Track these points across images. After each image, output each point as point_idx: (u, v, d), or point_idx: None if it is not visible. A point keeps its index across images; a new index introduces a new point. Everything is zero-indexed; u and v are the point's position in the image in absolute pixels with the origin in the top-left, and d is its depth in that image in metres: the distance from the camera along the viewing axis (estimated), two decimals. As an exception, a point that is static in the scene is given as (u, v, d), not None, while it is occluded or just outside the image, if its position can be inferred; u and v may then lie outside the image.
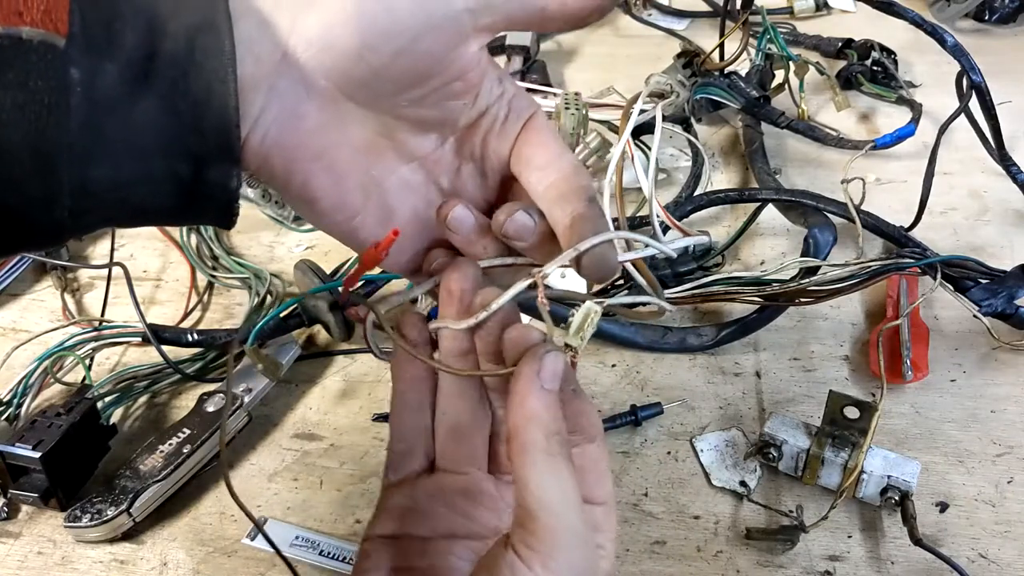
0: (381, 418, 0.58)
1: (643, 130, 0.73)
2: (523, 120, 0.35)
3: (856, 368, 0.60)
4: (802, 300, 0.57)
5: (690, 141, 0.74)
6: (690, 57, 0.84)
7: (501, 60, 0.94)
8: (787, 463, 0.52)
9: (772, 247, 0.70)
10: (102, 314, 0.67)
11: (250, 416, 0.57)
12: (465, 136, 0.35)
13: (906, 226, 0.66)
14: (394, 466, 0.38)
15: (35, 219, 0.27)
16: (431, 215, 0.36)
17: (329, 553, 0.50)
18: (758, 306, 0.60)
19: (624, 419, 0.56)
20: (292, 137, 0.31)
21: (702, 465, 0.54)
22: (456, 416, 0.37)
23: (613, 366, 0.61)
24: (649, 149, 0.69)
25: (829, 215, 0.62)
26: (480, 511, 0.36)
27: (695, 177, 0.72)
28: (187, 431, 0.54)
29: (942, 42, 0.63)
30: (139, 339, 0.62)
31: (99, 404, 0.56)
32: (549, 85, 0.88)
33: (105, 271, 0.67)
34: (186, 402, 0.60)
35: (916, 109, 0.80)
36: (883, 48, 0.88)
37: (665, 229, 0.34)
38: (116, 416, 0.59)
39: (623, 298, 0.37)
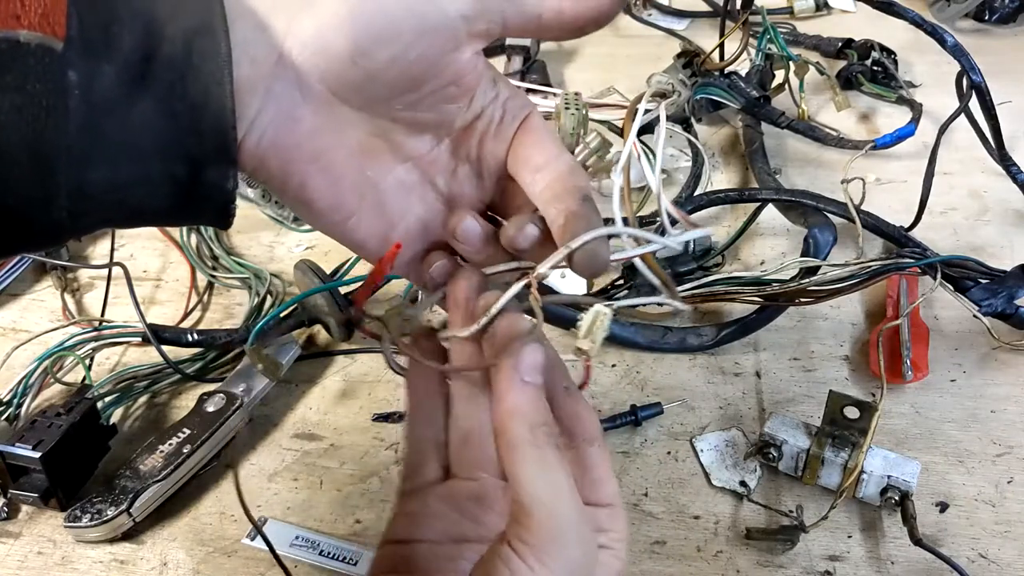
0: (381, 418, 0.59)
1: (643, 130, 0.73)
2: (518, 121, 0.35)
3: (856, 368, 0.60)
4: (802, 300, 0.57)
5: (690, 141, 0.74)
6: (690, 57, 0.84)
7: (501, 60, 0.94)
8: (787, 463, 0.52)
9: (772, 247, 0.70)
10: (102, 314, 0.67)
11: (250, 416, 0.57)
12: (461, 138, 0.35)
13: (906, 226, 0.66)
14: (409, 475, 0.38)
15: (33, 220, 0.28)
16: (427, 215, 0.36)
17: (329, 553, 0.50)
18: (758, 306, 0.60)
19: (624, 419, 0.56)
20: (288, 139, 0.31)
21: (702, 465, 0.54)
22: (467, 422, 0.37)
23: (613, 366, 0.61)
24: (649, 149, 0.69)
25: (829, 215, 0.62)
26: (490, 515, 0.36)
27: (695, 177, 0.72)
28: (187, 431, 0.54)
29: (942, 42, 0.63)
30: (139, 339, 0.62)
31: (99, 404, 0.56)
32: (549, 85, 0.88)
33: (105, 271, 0.67)
34: (186, 402, 0.60)
35: (916, 109, 0.80)
36: (883, 48, 0.88)
37: (673, 222, 0.34)
38: (116, 416, 0.59)
39: (636, 299, 0.36)
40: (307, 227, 0.73)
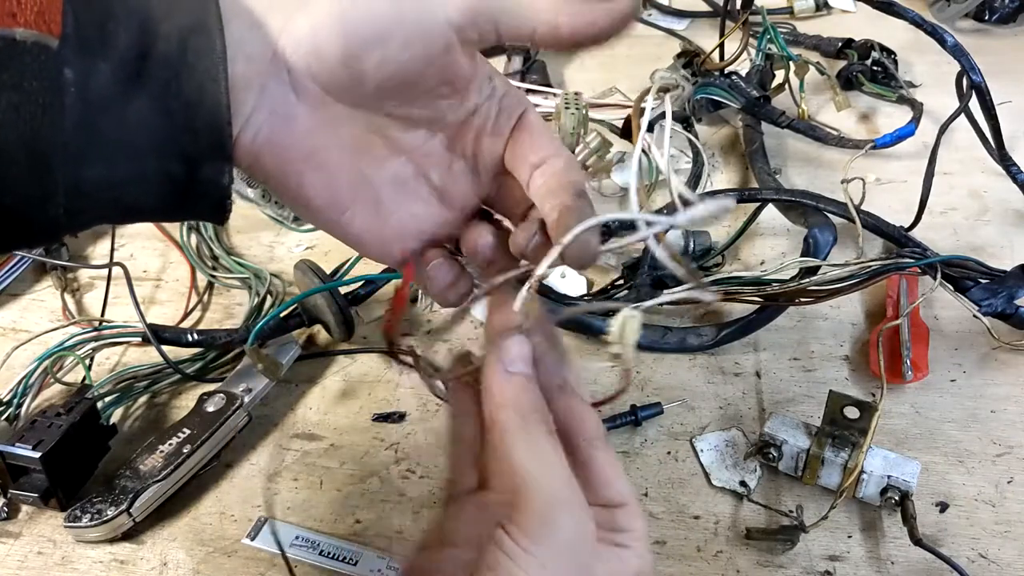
0: (381, 418, 0.59)
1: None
2: (515, 118, 0.35)
3: (856, 368, 0.60)
4: (802, 300, 0.57)
5: (690, 141, 0.74)
6: (690, 57, 0.84)
7: (501, 60, 0.94)
8: (787, 463, 0.52)
9: (772, 247, 0.70)
10: (102, 314, 0.67)
11: (250, 416, 0.57)
12: (457, 134, 0.35)
13: (906, 226, 0.66)
14: (449, 484, 0.38)
15: (31, 218, 0.28)
16: (422, 209, 0.36)
17: (329, 553, 0.50)
18: (758, 306, 0.60)
19: (624, 419, 0.56)
20: (283, 137, 0.31)
21: (702, 465, 0.54)
22: None
23: (613, 366, 0.61)
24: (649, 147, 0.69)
25: (829, 215, 0.62)
26: None
27: (695, 177, 0.72)
28: (187, 431, 0.54)
29: (942, 42, 0.63)
30: (139, 339, 0.62)
31: (99, 404, 0.56)
32: (549, 85, 0.88)
33: (105, 271, 0.67)
34: (186, 402, 0.60)
35: (917, 109, 0.80)
36: (883, 48, 0.88)
37: (686, 203, 0.34)
38: (116, 416, 0.59)
39: (664, 296, 0.36)
40: (307, 227, 0.73)
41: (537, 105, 0.80)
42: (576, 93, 0.75)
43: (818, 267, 0.58)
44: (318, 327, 0.64)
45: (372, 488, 0.54)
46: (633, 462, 0.55)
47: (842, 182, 0.64)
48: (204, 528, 0.52)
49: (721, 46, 0.79)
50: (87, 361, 0.60)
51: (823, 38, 0.95)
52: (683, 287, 0.34)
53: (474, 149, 0.36)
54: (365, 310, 0.66)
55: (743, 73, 0.81)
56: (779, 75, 0.82)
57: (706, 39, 0.95)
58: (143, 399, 0.61)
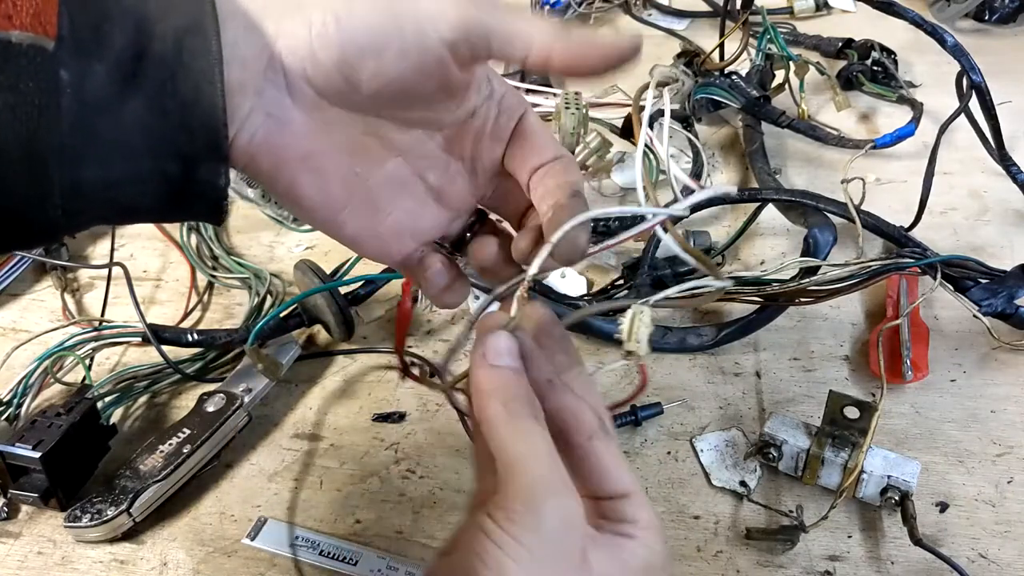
0: (381, 418, 0.59)
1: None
2: (514, 120, 0.35)
3: (856, 368, 0.60)
4: (802, 300, 0.57)
5: (690, 141, 0.74)
6: (690, 57, 0.84)
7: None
8: (787, 463, 0.52)
9: (772, 247, 0.70)
10: (102, 314, 0.67)
11: (250, 416, 0.57)
12: (456, 136, 0.35)
13: (906, 226, 0.66)
14: (474, 498, 0.38)
15: (29, 218, 0.28)
16: (417, 209, 0.36)
17: (329, 553, 0.50)
18: (758, 306, 0.60)
19: (624, 419, 0.56)
20: (279, 139, 0.31)
21: (702, 465, 0.54)
22: None
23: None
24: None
25: (829, 215, 0.62)
26: None
27: (695, 177, 0.72)
28: (187, 431, 0.54)
29: (942, 42, 0.63)
30: (139, 339, 0.62)
31: (99, 404, 0.56)
32: (549, 85, 0.88)
33: (105, 271, 0.67)
34: (186, 402, 0.60)
35: (917, 109, 0.80)
36: (883, 48, 0.88)
37: (687, 192, 0.34)
38: (116, 416, 0.59)
39: (675, 288, 0.36)
40: (307, 227, 0.73)
41: (537, 105, 0.80)
42: (576, 93, 0.75)
43: (818, 267, 0.58)
44: (318, 327, 0.64)
45: (372, 488, 0.54)
46: (633, 462, 0.54)
47: (842, 182, 0.64)
48: (204, 528, 0.52)
49: (721, 46, 0.79)
50: (87, 361, 0.60)
51: (823, 38, 0.95)
52: (691, 283, 0.34)
53: (472, 151, 0.36)
54: (365, 310, 0.66)
55: (743, 73, 0.81)
56: (779, 75, 0.82)
57: (706, 39, 0.95)
58: (143, 399, 0.61)
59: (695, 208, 0.30)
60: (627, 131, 0.76)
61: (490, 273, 0.36)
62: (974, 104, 0.65)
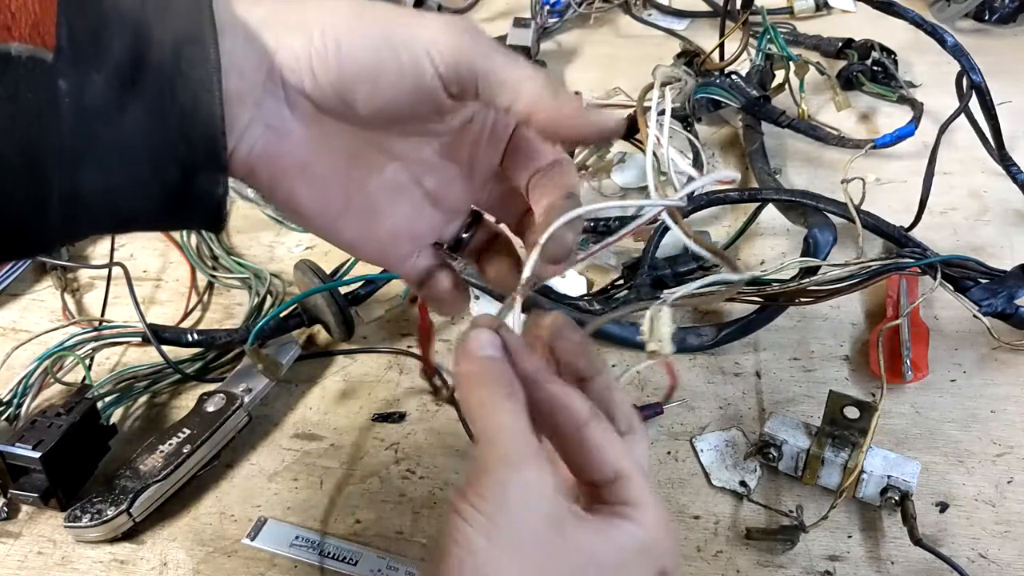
0: (381, 418, 0.59)
1: (634, 130, 0.73)
2: (512, 124, 0.35)
3: (856, 368, 0.60)
4: (802, 300, 0.57)
5: (690, 141, 0.74)
6: (690, 57, 0.84)
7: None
8: (787, 463, 0.52)
9: (772, 247, 0.70)
10: (102, 314, 0.67)
11: (250, 416, 0.57)
12: (453, 142, 0.35)
13: (906, 226, 0.66)
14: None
15: (28, 226, 0.28)
16: (415, 214, 0.36)
17: (329, 553, 0.50)
18: (758, 306, 0.60)
19: (624, 419, 0.56)
20: (278, 151, 0.31)
21: (702, 465, 0.54)
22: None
23: (613, 366, 0.61)
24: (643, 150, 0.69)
25: (829, 215, 0.62)
26: None
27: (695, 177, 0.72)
28: (187, 431, 0.54)
29: (942, 42, 0.63)
30: (139, 339, 0.62)
31: (99, 404, 0.56)
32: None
33: (105, 271, 0.67)
34: (186, 402, 0.60)
35: (917, 109, 0.80)
36: (883, 48, 0.88)
37: (689, 179, 0.34)
38: (116, 416, 0.59)
39: (692, 285, 0.35)
40: (307, 227, 0.73)
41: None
42: (576, 93, 0.75)
43: (818, 267, 0.58)
44: (318, 327, 0.64)
45: (372, 488, 0.54)
46: (633, 462, 0.54)
47: (842, 182, 0.64)
48: (204, 528, 0.52)
49: (721, 46, 0.79)
50: (87, 361, 0.60)
51: (823, 38, 0.95)
52: (708, 278, 0.34)
53: (470, 155, 0.36)
54: (365, 310, 0.66)
55: (743, 73, 0.81)
56: (779, 75, 0.82)
57: (706, 39, 0.95)
58: (143, 399, 0.61)
59: (696, 209, 0.30)
60: (628, 131, 0.76)
61: (504, 289, 0.37)
62: (974, 104, 0.65)
